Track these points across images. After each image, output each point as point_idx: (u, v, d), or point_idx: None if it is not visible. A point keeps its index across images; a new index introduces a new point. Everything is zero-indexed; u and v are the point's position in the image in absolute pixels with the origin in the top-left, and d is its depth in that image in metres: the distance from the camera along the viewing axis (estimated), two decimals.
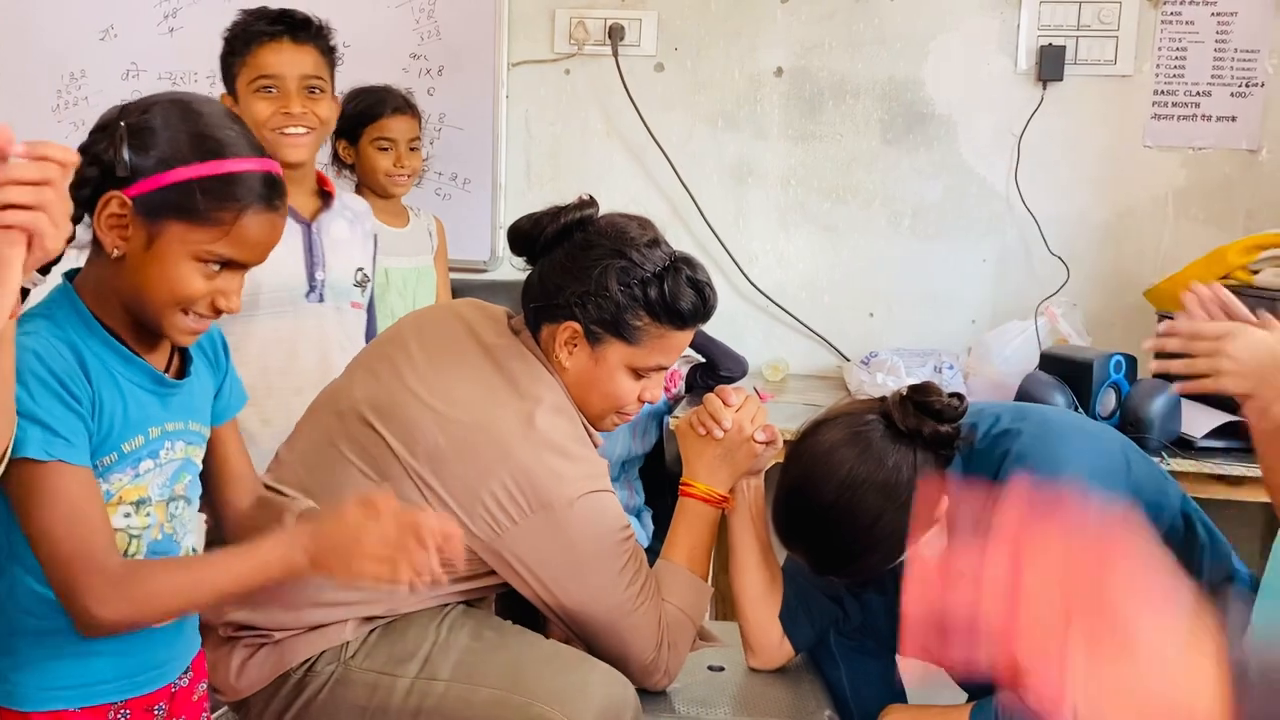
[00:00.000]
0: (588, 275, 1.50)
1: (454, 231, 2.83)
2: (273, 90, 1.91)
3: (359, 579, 1.17)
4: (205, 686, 1.38)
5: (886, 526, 1.43)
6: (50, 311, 1.18)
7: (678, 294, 1.51)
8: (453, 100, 2.90)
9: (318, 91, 1.95)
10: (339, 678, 1.50)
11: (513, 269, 2.73)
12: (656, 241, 1.54)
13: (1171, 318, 2.44)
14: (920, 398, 1.45)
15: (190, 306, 1.18)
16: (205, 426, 1.31)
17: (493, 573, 1.53)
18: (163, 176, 1.13)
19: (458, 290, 2.70)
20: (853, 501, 1.43)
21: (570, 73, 2.88)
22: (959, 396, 1.48)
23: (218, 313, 1.21)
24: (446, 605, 1.57)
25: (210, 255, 1.16)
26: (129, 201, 1.14)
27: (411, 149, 2.45)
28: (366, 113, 2.44)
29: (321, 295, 2.01)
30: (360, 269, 2.10)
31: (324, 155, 2.67)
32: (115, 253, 1.15)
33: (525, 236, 1.56)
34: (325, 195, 2.05)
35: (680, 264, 1.53)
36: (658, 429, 2.46)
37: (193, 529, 1.31)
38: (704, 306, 1.54)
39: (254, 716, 1.54)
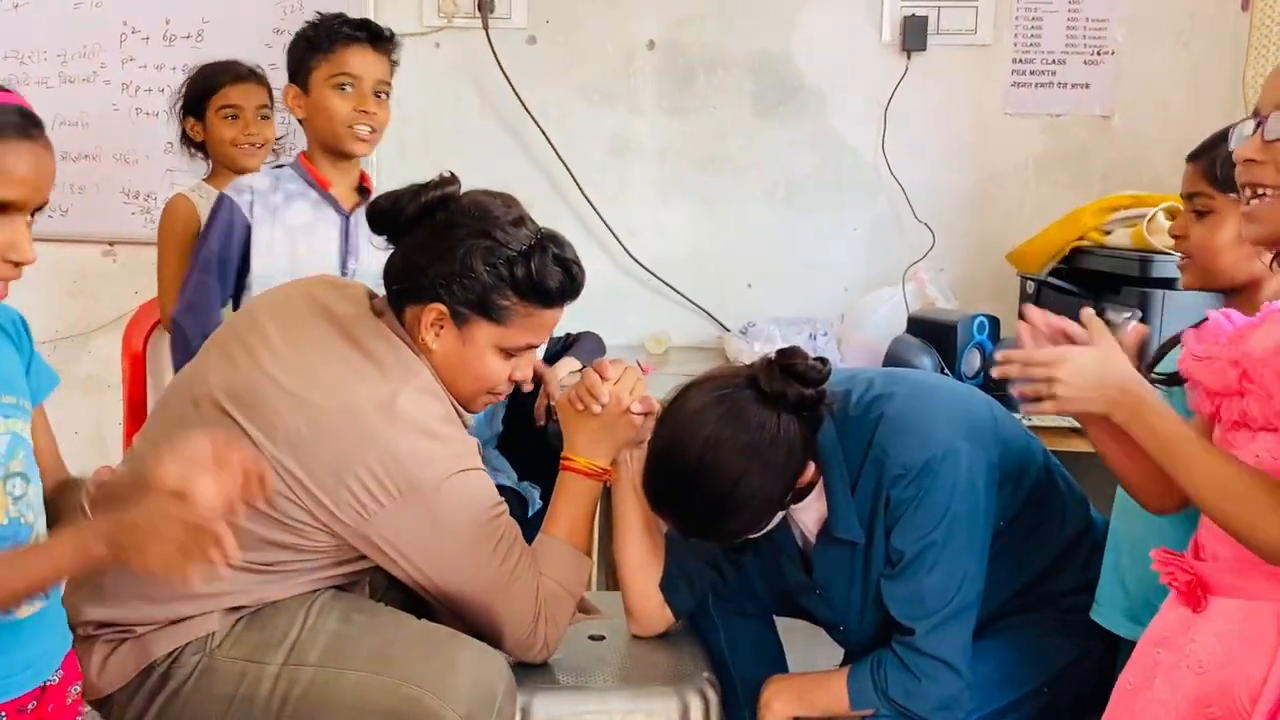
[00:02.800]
0: (452, 256, 1.47)
1: None
2: (348, 89, 2.05)
3: (151, 570, 1.11)
4: (79, 689, 1.32)
5: (750, 488, 1.44)
6: None
7: (545, 272, 1.49)
8: None
9: (384, 96, 2.11)
10: (205, 668, 1.47)
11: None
12: (522, 220, 1.52)
13: (1032, 279, 2.55)
14: (785, 361, 1.47)
15: None
16: (23, 399, 1.25)
17: (362, 557, 1.51)
18: None
19: None
20: (715, 462, 1.44)
21: (440, 46, 2.84)
22: (822, 360, 1.50)
23: (14, 265, 1.14)
24: (316, 590, 1.54)
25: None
26: None
27: (261, 117, 2.38)
28: (207, 83, 2.38)
29: None
30: None
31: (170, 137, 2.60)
32: None
33: (385, 216, 1.52)
34: (364, 191, 2.17)
35: (546, 242, 1.52)
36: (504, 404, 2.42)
37: (41, 512, 1.25)
38: (572, 284, 1.53)
39: (117, 713, 1.50)
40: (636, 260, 2.85)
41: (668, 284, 2.85)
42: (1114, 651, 1.57)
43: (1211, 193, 1.45)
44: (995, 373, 1.28)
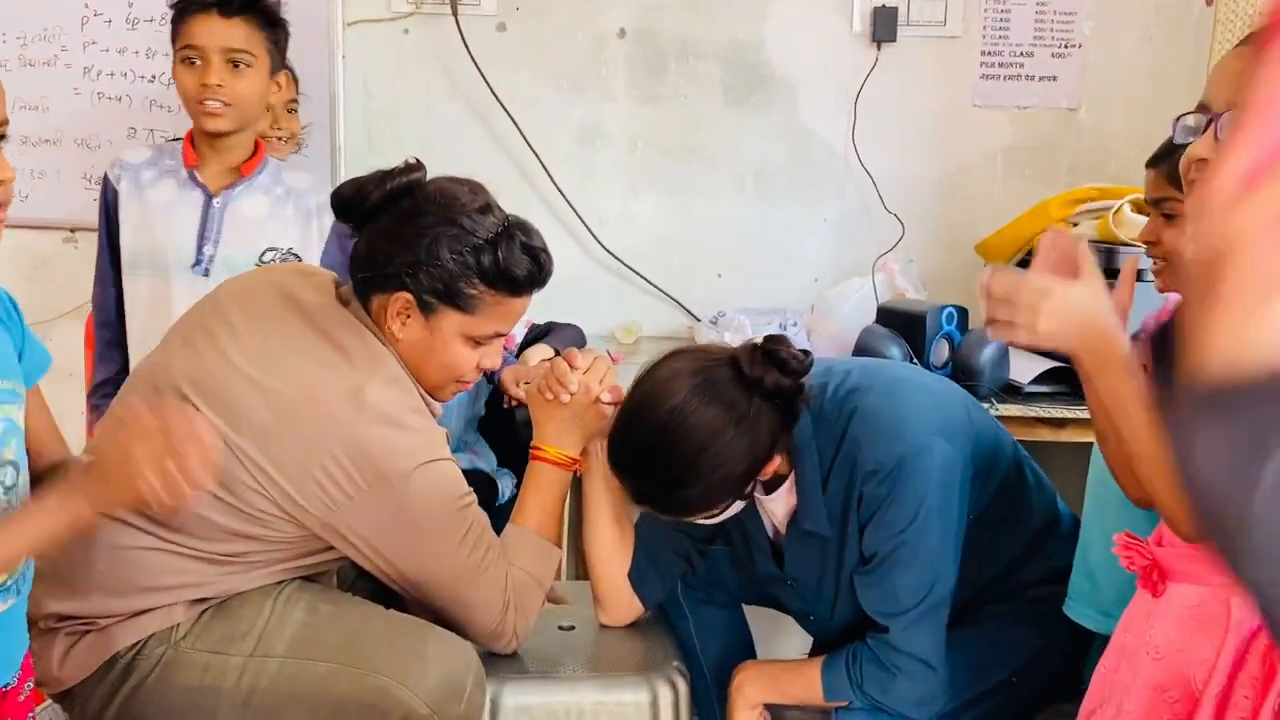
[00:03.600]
0: (418, 244, 1.46)
1: None
2: (195, 62, 1.92)
3: (137, 503, 1.12)
4: (32, 685, 1.30)
5: (710, 462, 1.43)
6: None
7: (512, 260, 1.48)
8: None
9: (243, 65, 1.93)
10: (169, 659, 1.45)
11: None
12: (489, 207, 1.50)
13: (999, 270, 2.56)
14: (769, 346, 1.47)
15: None
16: (16, 383, 1.23)
17: (329, 548, 1.50)
18: None
19: None
20: (681, 429, 1.43)
21: (409, 32, 2.81)
22: (805, 353, 1.50)
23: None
24: (282, 581, 1.53)
25: None
26: None
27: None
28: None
29: (208, 270, 2.01)
30: (274, 249, 2.03)
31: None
32: None
33: (349, 203, 1.50)
34: (238, 173, 2.05)
35: (514, 229, 1.50)
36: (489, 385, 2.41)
37: (22, 500, 1.23)
38: (539, 272, 1.52)
39: (79, 706, 1.48)
40: (606, 249, 2.84)
41: (638, 273, 2.85)
42: (1085, 642, 1.59)
43: (1179, 197, 1.45)
44: (980, 291, 1.23)
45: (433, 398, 1.56)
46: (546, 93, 2.82)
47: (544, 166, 2.80)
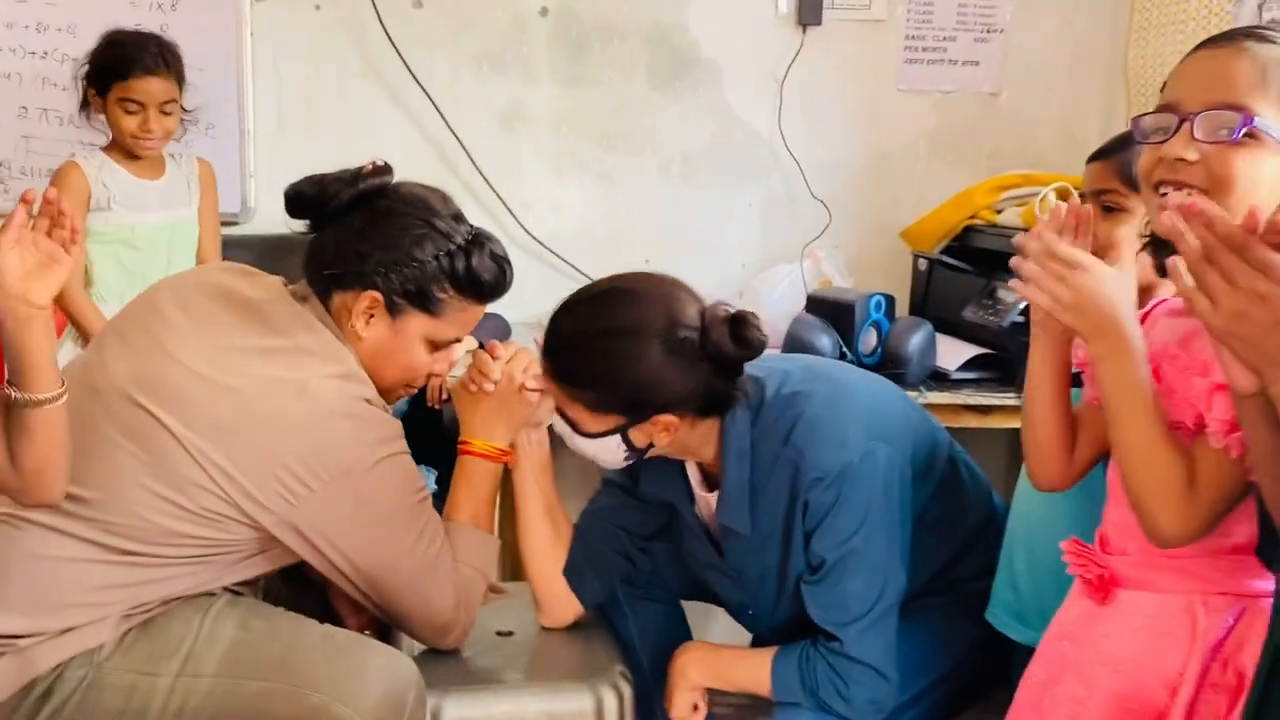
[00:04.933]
0: (395, 244, 1.46)
1: None
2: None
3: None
4: None
5: (624, 349, 1.44)
6: None
7: (483, 268, 1.50)
8: (190, 38, 2.61)
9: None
10: (91, 682, 1.39)
11: (267, 223, 2.58)
12: (460, 216, 1.53)
13: (925, 257, 2.59)
14: (741, 315, 1.47)
15: None
16: None
17: (269, 551, 1.45)
18: None
19: None
20: (620, 304, 1.46)
21: (320, 8, 2.70)
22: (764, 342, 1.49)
23: None
24: (212, 595, 1.47)
25: None
26: None
27: (165, 112, 2.28)
28: (114, 68, 2.24)
29: None
30: None
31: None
32: None
33: (311, 202, 1.48)
34: None
35: (483, 239, 1.53)
36: None
37: None
38: (503, 282, 1.54)
39: None
40: (532, 235, 2.79)
41: (564, 259, 2.80)
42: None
43: (1125, 191, 1.47)
44: (1017, 242, 1.19)
45: (384, 399, 1.53)
46: (466, 74, 2.75)
47: (465, 150, 2.74)
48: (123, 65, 2.25)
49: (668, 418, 1.47)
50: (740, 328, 1.45)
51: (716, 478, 1.57)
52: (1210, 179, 1.08)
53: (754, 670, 1.57)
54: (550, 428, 1.64)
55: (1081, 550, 1.22)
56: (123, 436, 1.39)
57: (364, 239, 1.46)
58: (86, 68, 2.29)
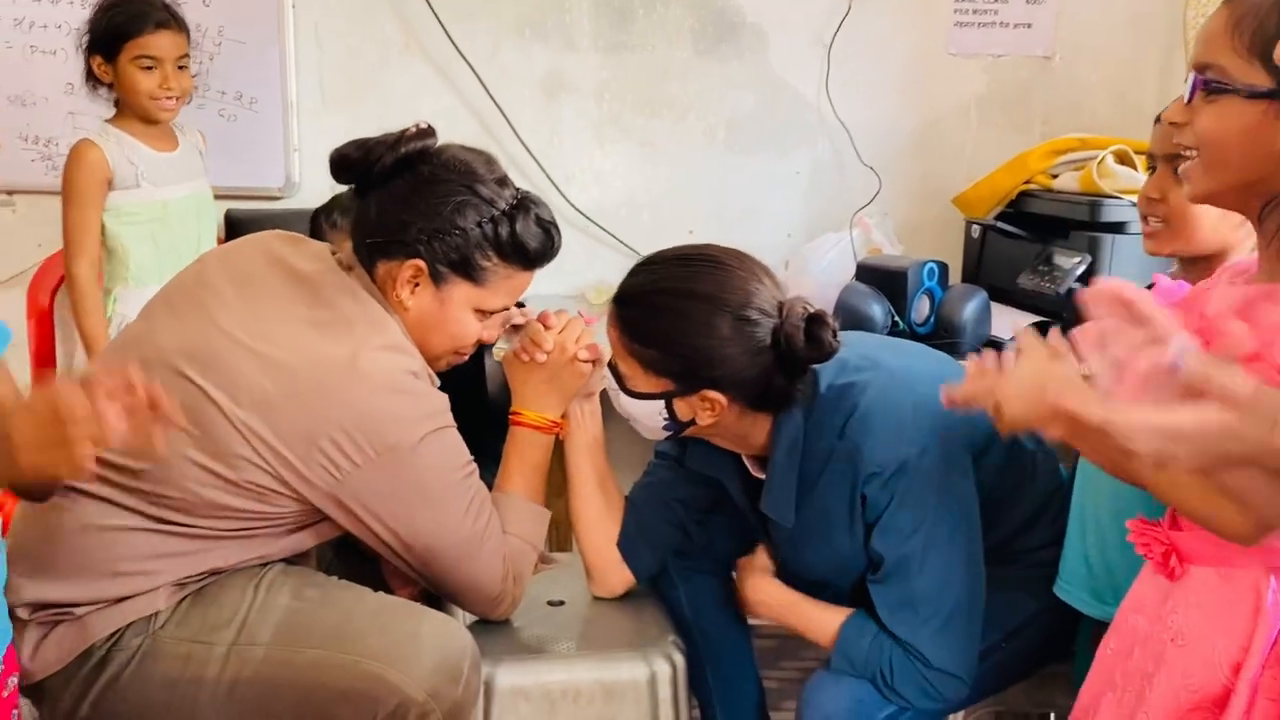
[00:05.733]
0: (437, 212, 1.42)
1: (243, 156, 2.63)
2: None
3: (36, 474, 1.06)
4: (16, 681, 1.23)
5: (692, 314, 1.42)
6: None
7: (528, 234, 1.46)
8: (232, 11, 2.65)
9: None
10: (147, 650, 1.39)
11: (311, 197, 2.57)
12: (504, 179, 1.48)
13: (978, 223, 2.53)
14: (818, 316, 1.44)
15: None
16: None
17: (318, 524, 1.45)
18: None
19: (254, 222, 2.51)
20: (700, 271, 1.44)
21: None
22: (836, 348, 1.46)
23: None
24: (266, 565, 1.47)
25: None
26: None
27: (179, 67, 2.24)
28: (125, 27, 2.20)
29: None
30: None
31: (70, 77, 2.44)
32: None
33: (356, 165, 1.45)
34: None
35: (528, 203, 1.48)
36: None
37: None
38: (551, 247, 1.51)
39: (50, 701, 1.42)
40: (574, 206, 2.76)
41: (607, 230, 2.78)
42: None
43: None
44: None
45: (430, 368, 1.51)
46: (508, 42, 2.72)
47: (507, 120, 2.71)
48: (134, 23, 2.20)
49: (716, 395, 1.44)
50: (816, 327, 1.42)
51: (768, 462, 1.54)
52: (1196, 139, 1.08)
53: (820, 627, 1.55)
54: (603, 394, 1.62)
55: (1146, 529, 1.18)
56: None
57: (406, 206, 1.44)
58: (88, 37, 2.23)
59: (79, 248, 2.22)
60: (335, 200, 2.15)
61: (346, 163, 1.46)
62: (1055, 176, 2.38)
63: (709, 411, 1.46)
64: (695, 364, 1.43)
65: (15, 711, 1.23)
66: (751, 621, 1.78)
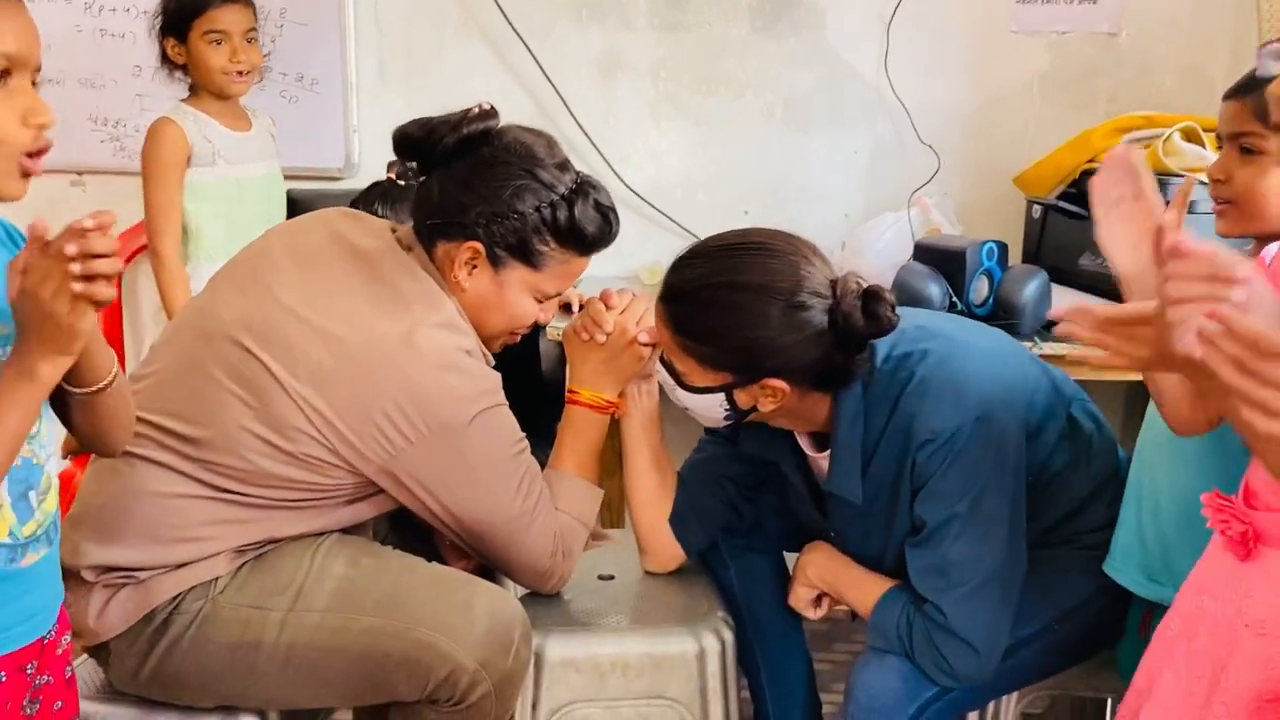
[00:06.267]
0: (496, 195, 1.44)
1: (304, 137, 2.66)
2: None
3: (68, 329, 1.03)
4: (69, 639, 1.27)
5: (744, 305, 1.40)
6: None
7: (586, 219, 1.47)
8: None
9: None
10: (207, 614, 1.43)
11: (370, 178, 2.60)
12: (565, 163, 1.49)
13: (1040, 203, 2.49)
14: (874, 290, 1.42)
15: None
16: None
17: (374, 496, 1.47)
18: None
19: (313, 201, 2.54)
20: (748, 260, 1.42)
21: None
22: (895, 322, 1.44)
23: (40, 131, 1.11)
24: (322, 534, 1.49)
25: None
26: None
27: (248, 41, 2.28)
28: (192, 4, 2.24)
29: None
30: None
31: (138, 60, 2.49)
32: None
33: (419, 144, 1.47)
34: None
35: (588, 188, 1.49)
36: None
37: (55, 452, 1.19)
38: (608, 233, 1.51)
39: (114, 661, 1.46)
40: (629, 187, 2.76)
41: (661, 211, 2.77)
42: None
43: (1263, 132, 1.37)
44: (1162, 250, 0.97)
45: (485, 348, 1.53)
46: (564, 22, 2.73)
47: (563, 100, 2.71)
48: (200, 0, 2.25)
49: (777, 383, 1.43)
50: (873, 303, 1.40)
51: (827, 438, 1.53)
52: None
53: (863, 596, 1.55)
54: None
55: (1223, 504, 1.14)
56: (230, 380, 1.41)
57: (466, 189, 1.45)
58: (160, 19, 2.28)
59: (164, 224, 2.27)
60: (374, 187, 2.16)
61: (409, 141, 1.48)
62: None
63: (771, 399, 1.45)
64: (753, 355, 1.42)
65: (69, 669, 1.26)
66: None
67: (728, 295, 1.42)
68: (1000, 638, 1.47)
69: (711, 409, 1.50)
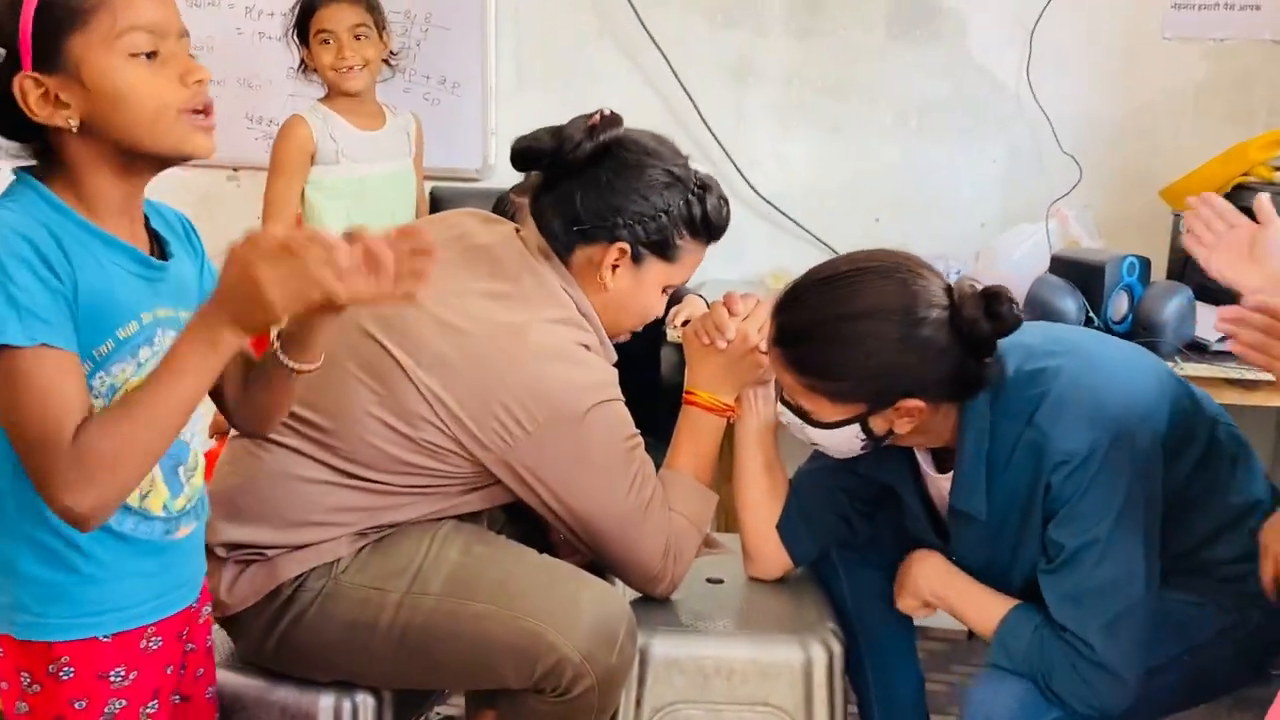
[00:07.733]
0: (644, 196, 1.49)
1: (444, 138, 2.74)
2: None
3: (288, 306, 1.04)
4: (209, 610, 1.34)
5: (863, 333, 1.37)
6: (11, 202, 1.08)
7: (715, 211, 1.54)
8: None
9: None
10: (329, 593, 1.48)
11: (507, 179, 2.67)
12: (687, 159, 1.55)
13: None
14: (991, 291, 1.38)
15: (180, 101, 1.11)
16: None
17: (491, 486, 1.50)
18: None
19: (450, 201, 2.62)
20: (857, 285, 1.38)
21: None
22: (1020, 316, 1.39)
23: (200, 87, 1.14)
24: (440, 521, 1.53)
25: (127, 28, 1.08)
26: (42, 79, 1.05)
27: (357, 37, 2.34)
28: (305, 7, 2.36)
29: None
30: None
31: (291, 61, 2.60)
32: (71, 124, 1.07)
33: (551, 153, 1.50)
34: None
35: (708, 181, 1.56)
36: None
37: (202, 430, 1.25)
38: (728, 222, 1.58)
39: (242, 632, 1.53)
40: (757, 192, 2.75)
41: (789, 217, 2.75)
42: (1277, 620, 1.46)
43: None
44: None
45: (610, 339, 1.58)
46: (698, 27, 2.74)
47: (695, 105, 2.73)
48: (312, 1, 2.34)
49: (913, 403, 1.39)
50: (994, 303, 1.36)
51: (948, 459, 1.49)
52: None
53: (982, 613, 1.50)
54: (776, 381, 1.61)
55: None
56: (358, 368, 1.46)
57: (614, 192, 1.49)
58: (293, 27, 2.39)
59: (275, 214, 2.38)
60: (502, 202, 2.18)
61: (537, 150, 1.50)
62: (1278, 169, 2.20)
63: (908, 419, 1.42)
64: (884, 382, 1.39)
65: (209, 638, 1.34)
66: (918, 622, 1.73)
67: (843, 327, 1.38)
68: (1140, 666, 1.40)
69: (848, 441, 1.46)
